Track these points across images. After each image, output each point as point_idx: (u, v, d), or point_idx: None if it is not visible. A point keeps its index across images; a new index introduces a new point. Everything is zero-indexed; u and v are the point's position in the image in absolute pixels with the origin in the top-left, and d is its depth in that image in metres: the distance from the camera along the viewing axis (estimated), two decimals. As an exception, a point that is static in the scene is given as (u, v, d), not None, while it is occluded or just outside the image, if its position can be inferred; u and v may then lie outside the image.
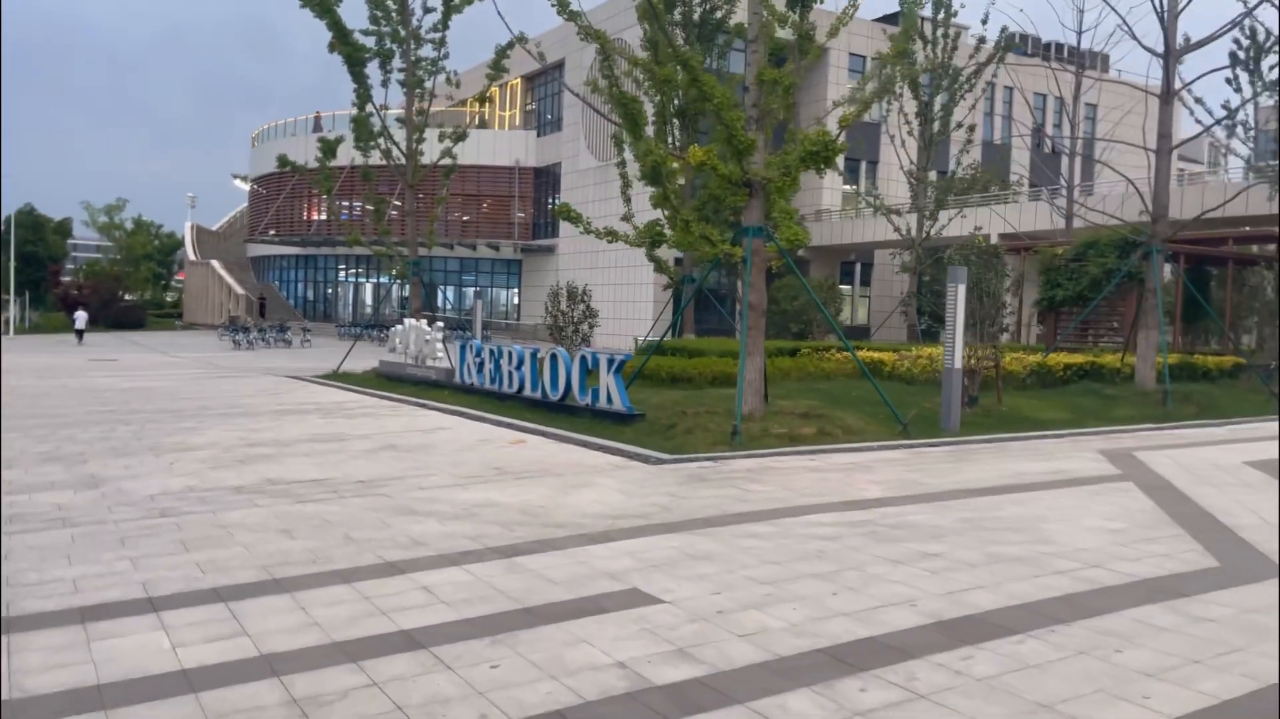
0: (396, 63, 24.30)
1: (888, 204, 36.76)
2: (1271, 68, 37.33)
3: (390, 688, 4.59)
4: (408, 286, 26.94)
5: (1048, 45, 53.36)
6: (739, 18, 29.10)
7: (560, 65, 51.24)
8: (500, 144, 56.29)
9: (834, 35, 13.48)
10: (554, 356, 15.47)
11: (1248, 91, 38.48)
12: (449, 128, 25.92)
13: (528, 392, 16.18)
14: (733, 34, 30.43)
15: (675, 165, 13.29)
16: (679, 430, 12.97)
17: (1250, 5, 19.15)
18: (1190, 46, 18.22)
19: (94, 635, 5.34)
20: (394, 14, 23.82)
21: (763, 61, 13.43)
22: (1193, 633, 5.40)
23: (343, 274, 64.25)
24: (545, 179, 55.40)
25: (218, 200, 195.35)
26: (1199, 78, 25.27)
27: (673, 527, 7.86)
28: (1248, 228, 28.48)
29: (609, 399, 14.17)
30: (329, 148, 23.89)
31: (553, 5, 13.29)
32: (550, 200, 54.82)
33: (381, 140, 24.03)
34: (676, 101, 29.77)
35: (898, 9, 26.16)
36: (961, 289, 14.01)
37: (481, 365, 17.71)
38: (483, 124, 56.80)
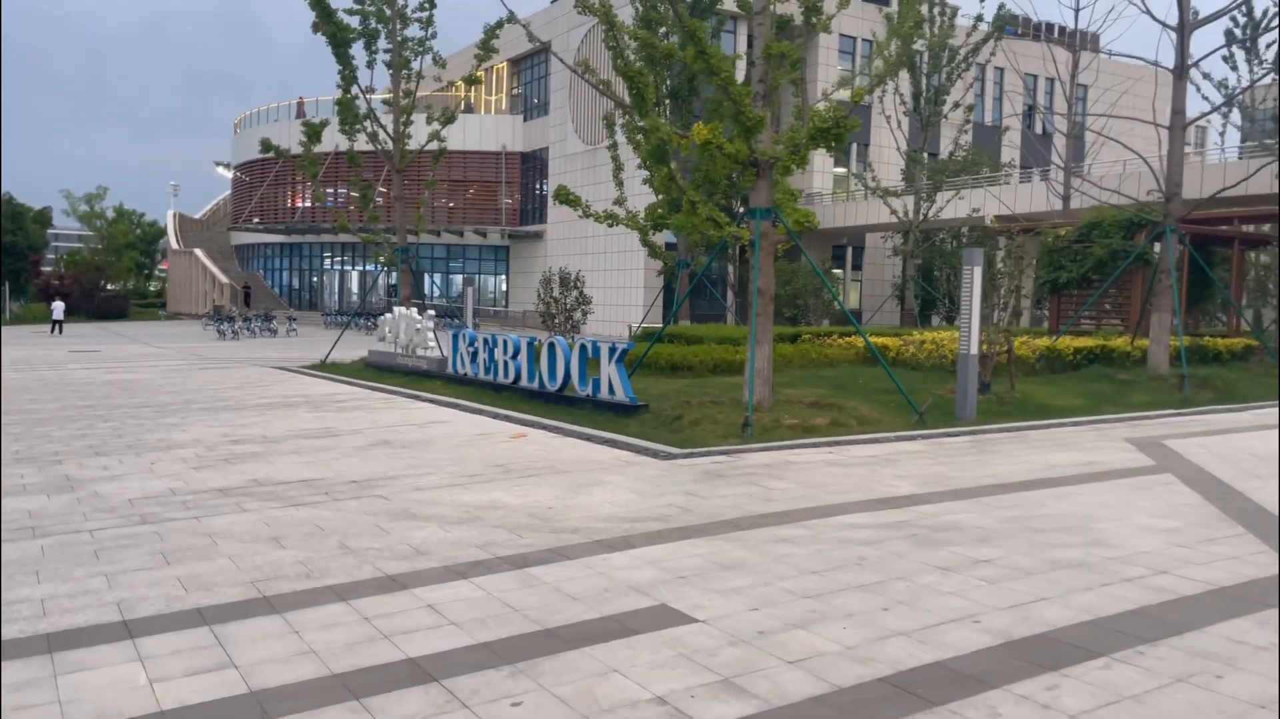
0: (382, 43, 23.57)
1: (881, 187, 36.17)
2: (1270, 45, 36.95)
3: (400, 734, 4.00)
4: (395, 274, 26.23)
5: (1037, 26, 52.89)
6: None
7: (547, 48, 50.41)
8: (486, 129, 55.43)
9: (845, 5, 12.83)
10: (552, 346, 14.85)
11: (1244, 70, 38.09)
12: (436, 110, 25.19)
13: (524, 382, 15.56)
14: (724, 18, 29.77)
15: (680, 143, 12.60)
16: (686, 422, 12.38)
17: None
18: (1204, 19, 17.64)
19: (61, 668, 4.72)
20: (379, -8, 23.07)
21: (770, 34, 12.80)
22: (1291, 651, 4.85)
23: (328, 262, 63.34)
24: (533, 164, 54.61)
25: (201, 188, 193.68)
26: (1207, 55, 24.69)
27: (695, 531, 7.27)
28: (1240, 208, 27.98)
29: (611, 390, 13.57)
30: (314, 131, 23.16)
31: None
32: (538, 186, 54.05)
33: (367, 123, 23.32)
34: (669, 82, 29.20)
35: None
36: (978, 271, 13.44)
37: (475, 355, 17.07)
38: (469, 109, 55.95)
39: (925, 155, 35.42)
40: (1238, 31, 37.65)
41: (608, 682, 4.51)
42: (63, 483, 9.19)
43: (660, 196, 15.05)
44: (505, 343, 16.15)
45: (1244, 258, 27.04)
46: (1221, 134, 43.02)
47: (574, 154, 48.81)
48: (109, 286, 70.52)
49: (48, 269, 73.55)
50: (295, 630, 5.22)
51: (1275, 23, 35.59)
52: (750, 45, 13.10)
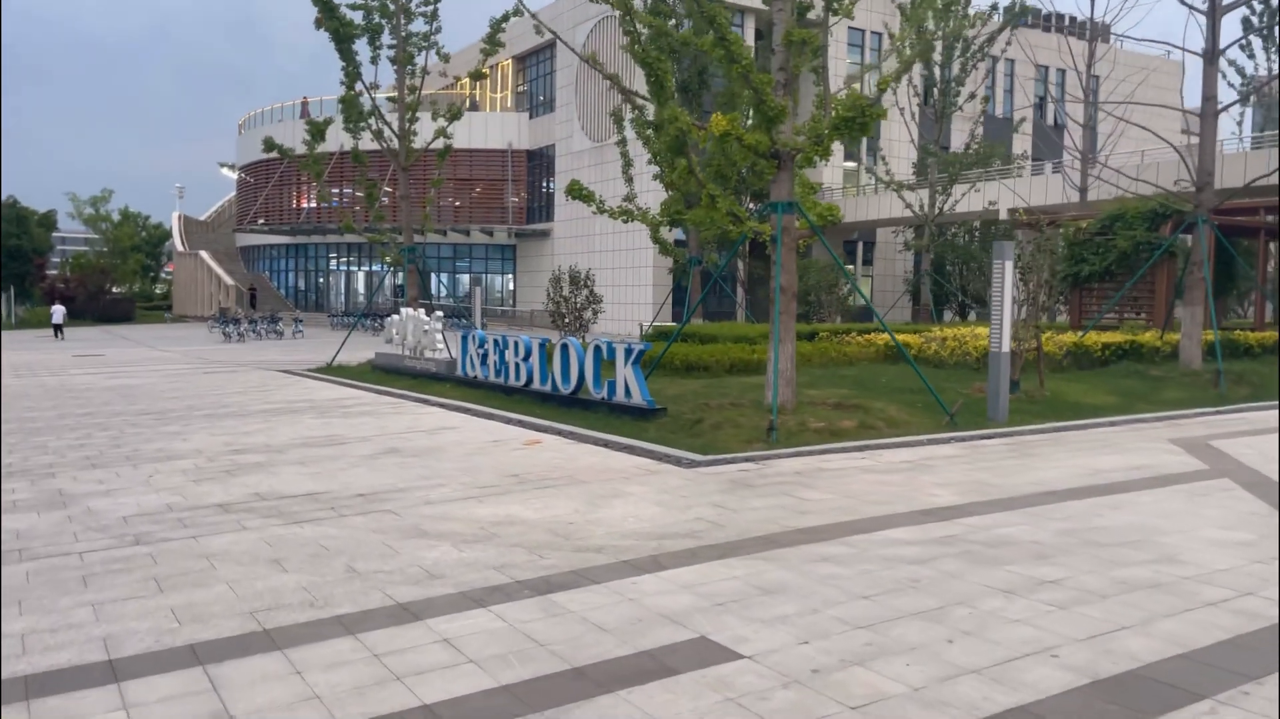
0: (386, 38, 23.07)
1: (895, 180, 35.57)
2: (1289, 32, 36.20)
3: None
4: (402, 274, 25.74)
5: (1048, 17, 52.33)
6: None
7: (557, 38, 49.86)
8: (492, 126, 54.92)
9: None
10: (565, 347, 14.33)
11: (1261, 59, 37.40)
12: (442, 107, 24.69)
13: (536, 385, 15.05)
14: (732, 10, 29.23)
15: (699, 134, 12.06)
16: (706, 426, 11.86)
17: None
18: (1236, 3, 17.06)
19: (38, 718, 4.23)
20: (383, -15, 22.56)
21: (790, 20, 12.25)
22: None
23: (334, 262, 62.93)
24: (539, 161, 54.09)
25: (206, 190, 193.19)
26: (1234, 42, 24.02)
27: (729, 549, 6.74)
28: (1262, 199, 27.34)
29: (627, 392, 13.05)
30: (318, 129, 22.68)
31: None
32: (545, 183, 53.53)
33: (372, 121, 22.83)
34: (678, 76, 28.66)
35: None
36: (1009, 266, 12.89)
37: (485, 357, 16.56)
38: (474, 106, 55.46)
39: (939, 148, 34.80)
40: (1255, 19, 36.97)
41: (649, 733, 3.99)
42: (54, 499, 8.70)
43: (671, 193, 14.55)
44: (516, 344, 15.63)
45: (1267, 249, 26.46)
46: (1239, 123, 42.33)
47: (581, 151, 48.29)
48: (114, 289, 70.13)
49: (53, 272, 73.20)
50: (298, 671, 4.72)
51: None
52: (759, 37, 12.57)
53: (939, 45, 32.21)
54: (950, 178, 32.97)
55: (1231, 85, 37.25)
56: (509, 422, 13.34)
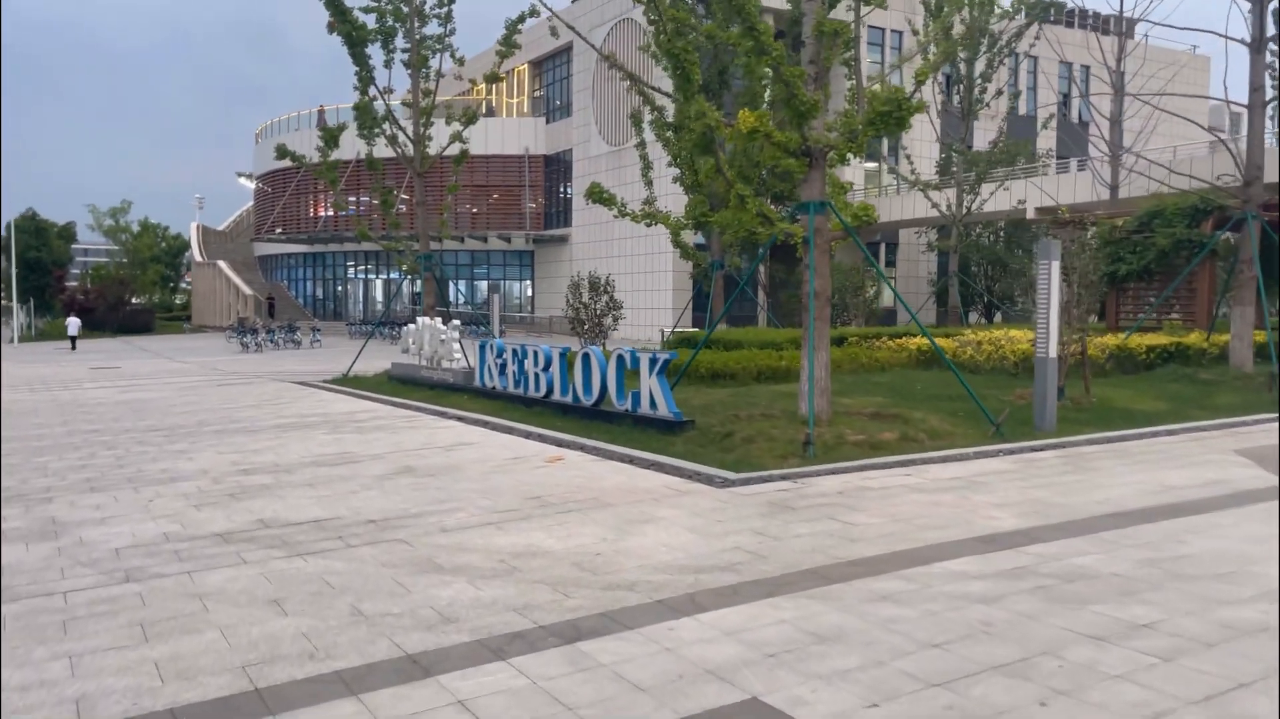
0: (400, 42, 22.58)
1: (921, 179, 34.80)
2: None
3: None
4: (419, 282, 25.22)
5: (1070, 12, 51.39)
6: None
7: (568, 49, 49.41)
8: (509, 132, 54.44)
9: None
10: (586, 357, 13.72)
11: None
12: (457, 111, 24.16)
13: (557, 396, 14.45)
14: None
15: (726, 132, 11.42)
16: (737, 439, 11.21)
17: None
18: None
19: (-13, 808, 3.63)
20: (396, -12, 22.06)
21: (821, 11, 11.61)
22: None
23: (352, 271, 62.64)
24: (556, 167, 53.56)
25: (224, 200, 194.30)
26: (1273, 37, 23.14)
27: (775, 585, 6.08)
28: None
29: (653, 404, 12.43)
30: (331, 136, 22.24)
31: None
32: (563, 189, 53.00)
33: (386, 126, 22.33)
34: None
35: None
36: (1056, 266, 12.18)
37: (504, 367, 15.97)
38: (490, 112, 55.01)
39: (966, 147, 34.01)
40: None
41: (700, 831, 3.35)
42: (47, 528, 8.14)
43: (692, 196, 13.92)
44: (536, 354, 15.03)
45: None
46: (1272, 119, 41.28)
47: (598, 155, 47.74)
48: (134, 300, 70.08)
49: (73, 284, 73.24)
50: (290, 744, 4.10)
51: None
52: (779, 35, 11.92)
53: (966, 41, 31.45)
54: (978, 176, 32.18)
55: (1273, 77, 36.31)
56: (529, 436, 12.73)
